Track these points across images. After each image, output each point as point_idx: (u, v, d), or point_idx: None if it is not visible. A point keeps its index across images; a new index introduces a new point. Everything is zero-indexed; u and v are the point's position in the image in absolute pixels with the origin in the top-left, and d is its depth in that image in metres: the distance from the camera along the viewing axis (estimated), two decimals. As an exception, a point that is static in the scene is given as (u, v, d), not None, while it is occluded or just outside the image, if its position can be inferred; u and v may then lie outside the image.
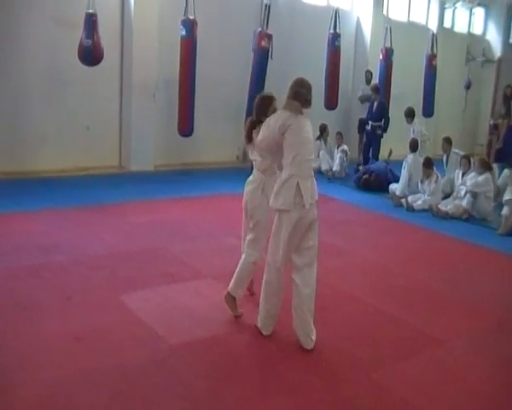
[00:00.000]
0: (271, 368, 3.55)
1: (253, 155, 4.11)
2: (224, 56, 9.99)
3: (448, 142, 9.44)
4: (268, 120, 3.77)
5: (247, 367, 3.54)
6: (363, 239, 6.63)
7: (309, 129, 3.78)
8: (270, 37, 9.71)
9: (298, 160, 3.63)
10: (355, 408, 3.21)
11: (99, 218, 6.54)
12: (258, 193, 4.10)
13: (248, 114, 9.83)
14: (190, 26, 8.70)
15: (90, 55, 7.61)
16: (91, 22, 7.57)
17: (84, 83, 8.61)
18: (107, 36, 8.20)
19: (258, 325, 3.94)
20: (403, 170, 8.78)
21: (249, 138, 4.11)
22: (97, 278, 4.76)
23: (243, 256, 4.23)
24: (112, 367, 3.38)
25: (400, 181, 8.73)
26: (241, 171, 10.03)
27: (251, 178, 4.25)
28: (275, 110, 3.90)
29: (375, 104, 10.43)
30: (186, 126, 9.10)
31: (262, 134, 3.75)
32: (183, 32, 8.76)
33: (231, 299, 4.18)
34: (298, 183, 3.62)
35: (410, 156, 8.78)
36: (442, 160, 9.61)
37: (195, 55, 8.82)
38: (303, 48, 10.95)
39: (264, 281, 3.87)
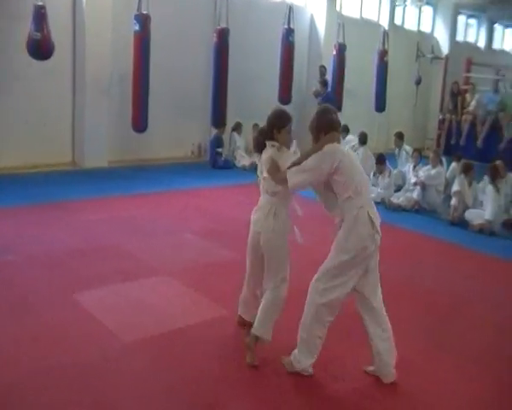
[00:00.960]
0: (228, 362, 3.58)
1: (264, 174, 3.62)
2: (178, 52, 9.93)
3: (400, 137, 9.70)
4: (305, 164, 3.31)
5: (204, 363, 3.55)
6: (315, 234, 6.69)
7: (349, 150, 3.50)
8: (227, 32, 9.68)
9: (359, 189, 3.28)
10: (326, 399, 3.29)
11: (52, 216, 6.40)
12: (271, 220, 3.57)
13: (213, 110, 9.85)
14: (144, 20, 8.59)
15: (40, 48, 7.40)
16: (40, 14, 7.36)
17: (34, 78, 8.39)
18: (58, 29, 8.00)
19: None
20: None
21: (259, 149, 3.70)
22: (50, 277, 4.67)
23: (268, 293, 3.65)
24: (65, 367, 3.34)
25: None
26: (197, 166, 10.09)
27: (259, 204, 3.70)
28: (289, 132, 3.56)
29: (320, 98, 10.66)
30: (140, 122, 8.99)
31: (298, 179, 3.33)
32: (137, 27, 8.64)
33: (254, 340, 3.58)
34: (368, 213, 3.29)
35: (361, 149, 8.97)
36: (394, 153, 9.86)
37: (149, 51, 8.70)
38: (258, 43, 10.99)
39: None
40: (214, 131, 10.20)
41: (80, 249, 5.40)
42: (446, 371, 3.70)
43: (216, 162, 10.01)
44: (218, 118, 9.97)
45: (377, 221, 3.35)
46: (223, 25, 9.56)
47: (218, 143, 10.10)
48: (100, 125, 9.02)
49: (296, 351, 3.45)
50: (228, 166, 10.04)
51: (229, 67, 9.85)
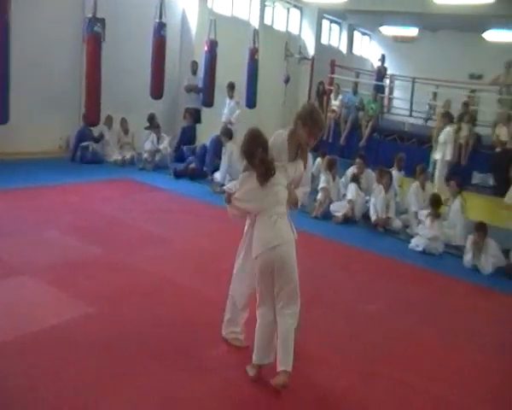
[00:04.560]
0: (94, 360, 3.56)
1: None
2: (44, 42, 9.41)
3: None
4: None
5: (67, 361, 3.50)
6: (186, 227, 6.83)
7: None
8: (102, 22, 9.36)
9: None
10: (181, 389, 3.39)
11: None
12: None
13: (86, 107, 9.47)
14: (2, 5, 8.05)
15: None
16: None
17: None
18: None
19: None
20: (223, 156, 9.11)
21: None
22: None
23: (284, 321, 3.44)
24: None
25: (220, 169, 9.04)
26: (65, 161, 9.66)
27: (272, 214, 3.51)
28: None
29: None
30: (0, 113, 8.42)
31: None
32: (-6, 14, 8.07)
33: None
34: None
35: (229, 144, 9.12)
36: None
37: (9, 39, 8.15)
38: (129, 36, 10.77)
39: None
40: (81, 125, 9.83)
41: None
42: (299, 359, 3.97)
43: (84, 157, 9.64)
44: (90, 115, 9.61)
45: None
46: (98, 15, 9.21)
47: (82, 136, 9.69)
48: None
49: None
50: (97, 160, 9.75)
51: (105, 60, 9.56)
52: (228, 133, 9.20)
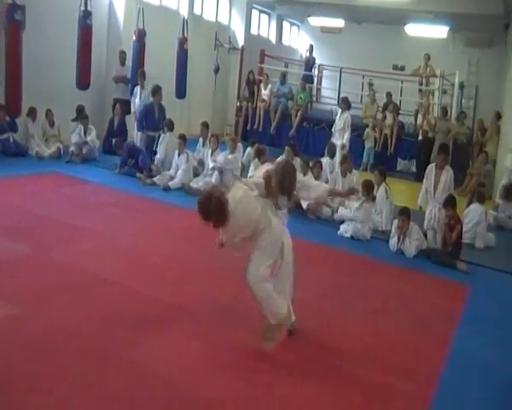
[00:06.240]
0: (11, 364, 3.48)
1: None
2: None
3: (205, 126, 10.06)
4: None
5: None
6: (117, 220, 6.74)
7: None
8: (23, 9, 9.00)
9: None
10: (114, 388, 3.36)
11: None
12: None
13: (6, 97, 9.10)
14: None
15: None
16: None
17: None
18: None
19: None
20: (159, 146, 9.21)
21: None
22: None
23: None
24: None
25: (156, 157, 9.20)
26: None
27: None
28: None
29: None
30: None
31: None
32: None
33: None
34: None
35: (167, 134, 9.18)
36: (196, 140, 10.20)
37: None
38: (53, 25, 10.37)
39: None
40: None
41: None
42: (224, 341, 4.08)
43: (7, 149, 9.25)
44: (11, 105, 9.26)
45: None
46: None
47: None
48: None
49: None
50: (20, 153, 9.39)
51: (23, 48, 9.19)
52: (170, 125, 9.33)
